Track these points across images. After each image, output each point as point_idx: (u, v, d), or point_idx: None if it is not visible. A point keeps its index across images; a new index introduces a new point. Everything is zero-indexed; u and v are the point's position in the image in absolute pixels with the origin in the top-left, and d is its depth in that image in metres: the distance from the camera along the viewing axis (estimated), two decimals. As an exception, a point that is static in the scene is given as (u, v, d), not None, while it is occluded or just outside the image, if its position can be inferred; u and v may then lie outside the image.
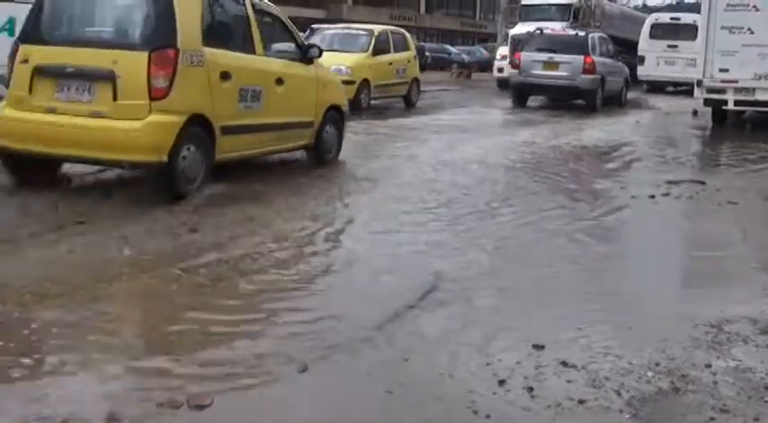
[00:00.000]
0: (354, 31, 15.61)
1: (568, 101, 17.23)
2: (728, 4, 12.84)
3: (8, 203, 5.65)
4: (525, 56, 16.88)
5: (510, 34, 24.19)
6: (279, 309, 3.84)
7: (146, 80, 5.60)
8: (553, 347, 3.39)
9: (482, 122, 13.94)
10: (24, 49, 5.94)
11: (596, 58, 16.74)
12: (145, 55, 5.63)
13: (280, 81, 7.04)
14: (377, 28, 15.97)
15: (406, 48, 16.41)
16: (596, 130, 12.56)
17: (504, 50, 24.42)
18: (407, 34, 17.26)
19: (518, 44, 21.30)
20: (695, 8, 17.81)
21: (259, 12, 7.01)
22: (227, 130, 6.26)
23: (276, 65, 7.14)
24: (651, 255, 5.45)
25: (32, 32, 6.04)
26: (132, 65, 5.64)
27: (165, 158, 5.62)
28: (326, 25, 17.46)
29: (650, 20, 24.17)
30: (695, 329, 3.69)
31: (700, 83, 13.13)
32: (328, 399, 2.97)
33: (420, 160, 8.61)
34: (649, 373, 3.19)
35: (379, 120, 12.88)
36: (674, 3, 62.33)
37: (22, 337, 3.36)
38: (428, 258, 4.77)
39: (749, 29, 12.75)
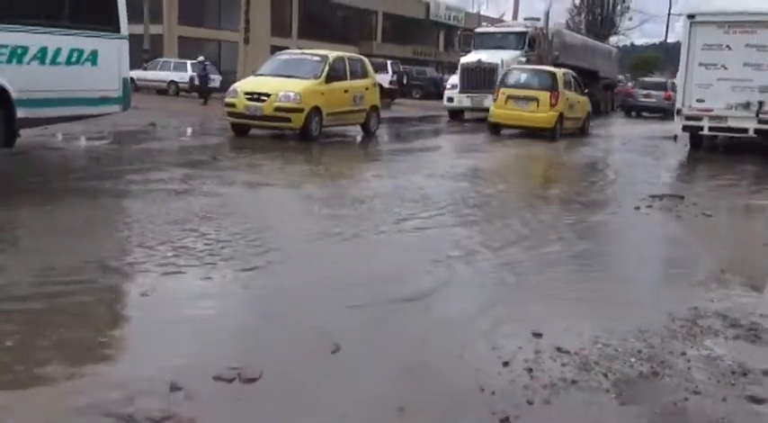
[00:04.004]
0: (308, 57, 14.62)
1: (654, 114, 29.95)
2: (705, 44, 14.03)
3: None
4: (635, 90, 32.17)
5: (460, 62, 23.00)
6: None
7: (549, 101, 16.41)
8: (550, 335, 3.68)
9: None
10: (502, 90, 16.93)
11: (671, 92, 27.49)
12: (548, 93, 16.48)
13: (577, 100, 17.94)
14: (333, 54, 14.82)
15: (365, 75, 15.45)
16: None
17: (454, 79, 23.37)
18: (366, 60, 16.14)
19: (468, 74, 21.86)
20: (677, 47, 19.03)
21: (568, 72, 18.61)
22: (565, 119, 17.06)
23: (576, 94, 17.97)
24: (634, 257, 5.85)
25: (504, 83, 17.28)
26: (544, 96, 16.45)
27: (554, 125, 16.65)
28: (286, 51, 16.57)
29: None
30: (673, 323, 3.99)
31: (679, 111, 14.29)
32: (353, 373, 3.23)
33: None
34: (632, 359, 3.45)
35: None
36: (658, 43, 63.91)
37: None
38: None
39: (723, 65, 13.86)
